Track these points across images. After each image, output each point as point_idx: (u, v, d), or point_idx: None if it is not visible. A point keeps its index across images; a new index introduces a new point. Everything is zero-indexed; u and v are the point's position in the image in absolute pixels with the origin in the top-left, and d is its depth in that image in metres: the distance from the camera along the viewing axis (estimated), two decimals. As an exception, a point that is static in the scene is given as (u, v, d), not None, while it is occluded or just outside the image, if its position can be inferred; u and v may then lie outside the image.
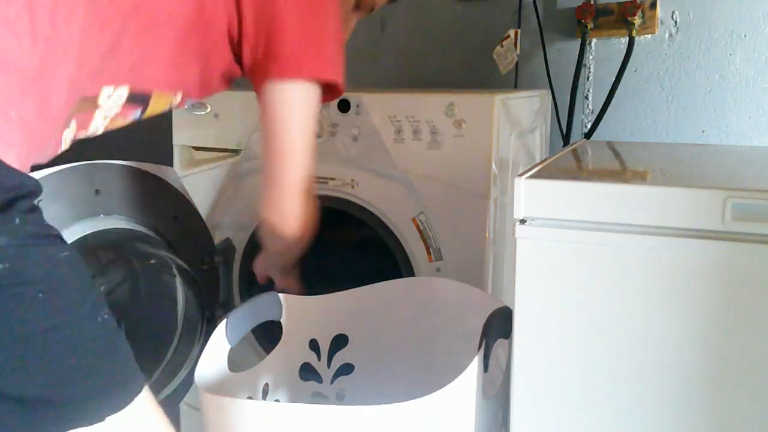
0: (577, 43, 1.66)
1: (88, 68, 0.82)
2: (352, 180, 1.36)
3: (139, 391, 0.76)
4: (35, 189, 0.72)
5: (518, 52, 1.69)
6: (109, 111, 0.90)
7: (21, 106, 0.73)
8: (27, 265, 0.68)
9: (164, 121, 1.55)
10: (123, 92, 0.89)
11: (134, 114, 0.95)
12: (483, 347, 0.91)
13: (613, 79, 1.59)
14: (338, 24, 1.04)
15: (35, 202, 0.72)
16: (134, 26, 0.86)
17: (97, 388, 0.73)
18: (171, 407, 1.40)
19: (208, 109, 1.47)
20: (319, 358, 1.21)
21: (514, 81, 1.75)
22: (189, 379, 1.37)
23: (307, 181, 1.05)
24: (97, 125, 0.91)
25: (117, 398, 0.74)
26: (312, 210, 1.10)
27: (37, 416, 0.70)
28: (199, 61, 0.96)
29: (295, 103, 1.01)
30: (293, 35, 0.97)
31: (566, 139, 1.68)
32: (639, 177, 1.06)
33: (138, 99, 0.92)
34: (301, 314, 1.18)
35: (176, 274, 1.35)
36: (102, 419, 0.72)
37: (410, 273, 1.34)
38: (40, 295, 0.68)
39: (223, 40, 0.98)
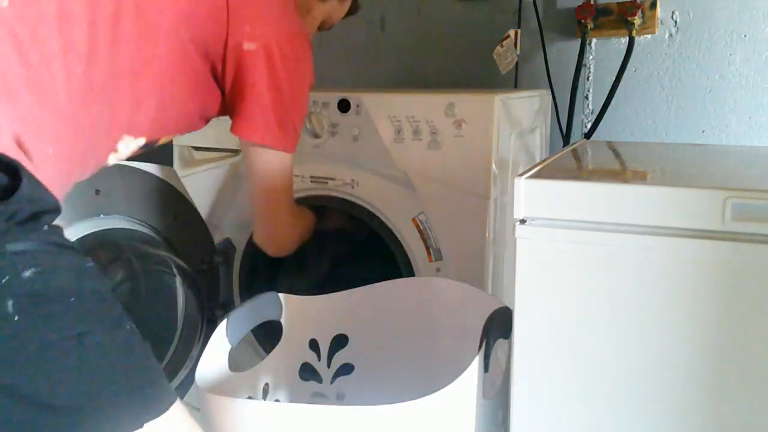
0: (577, 43, 1.66)
1: (119, 117, 0.89)
2: (352, 180, 1.36)
3: (175, 398, 0.75)
4: (57, 207, 0.73)
5: (518, 52, 1.69)
6: (122, 156, 0.96)
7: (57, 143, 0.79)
8: (58, 269, 0.68)
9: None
10: (140, 142, 0.96)
11: (138, 152, 1.01)
12: (483, 347, 0.91)
13: (613, 79, 1.59)
14: (306, 101, 1.16)
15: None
16: (159, 81, 0.92)
17: (133, 393, 0.71)
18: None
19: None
20: (319, 358, 1.22)
21: (514, 81, 1.75)
22: (189, 379, 1.37)
23: (285, 214, 1.21)
24: (106, 164, 0.97)
25: (155, 403, 0.72)
26: (301, 228, 1.28)
27: (72, 423, 0.67)
28: (199, 106, 1.06)
29: (260, 163, 1.13)
30: (261, 104, 1.06)
31: (566, 139, 1.68)
32: (639, 177, 1.06)
33: (149, 146, 1.00)
34: (301, 314, 1.18)
35: (176, 274, 1.36)
36: (140, 426, 0.70)
37: (410, 273, 1.34)
38: (73, 299, 0.68)
39: (211, 81, 1.05)
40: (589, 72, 1.70)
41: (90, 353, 0.68)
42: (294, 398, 1.20)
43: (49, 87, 0.77)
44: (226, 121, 1.46)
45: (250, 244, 1.47)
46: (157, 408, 0.72)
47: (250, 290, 1.49)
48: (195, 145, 1.53)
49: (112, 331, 0.71)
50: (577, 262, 0.86)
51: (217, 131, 1.49)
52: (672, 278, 0.82)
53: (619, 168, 1.22)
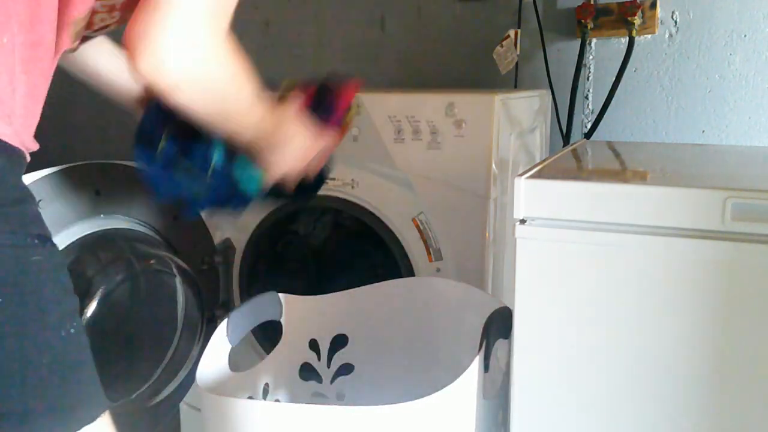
0: (577, 43, 1.66)
1: None
2: (352, 180, 1.36)
3: (92, 420, 0.69)
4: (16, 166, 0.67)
5: (518, 52, 1.69)
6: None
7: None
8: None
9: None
10: None
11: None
12: (483, 348, 0.92)
13: (613, 79, 1.59)
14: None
15: (18, 193, 0.68)
16: None
17: (46, 406, 0.67)
18: (171, 407, 1.40)
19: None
20: (319, 358, 1.22)
21: (514, 81, 1.75)
22: (189, 379, 1.37)
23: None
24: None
25: (64, 421, 0.68)
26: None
27: None
28: None
29: None
30: None
31: (566, 139, 1.68)
32: (639, 177, 1.06)
33: None
34: (301, 314, 1.18)
35: (176, 274, 1.36)
36: None
37: (410, 273, 1.34)
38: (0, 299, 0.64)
39: None
40: (589, 72, 1.70)
41: (6, 358, 0.64)
42: (294, 398, 1.20)
43: None
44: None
45: (250, 244, 1.47)
46: (63, 427, 0.68)
47: (249, 290, 1.49)
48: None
49: (41, 334, 0.67)
50: (577, 262, 0.86)
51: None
52: (672, 278, 0.82)
53: (619, 168, 1.22)
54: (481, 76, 1.80)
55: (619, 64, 1.59)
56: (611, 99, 1.60)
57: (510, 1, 1.75)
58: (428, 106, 1.28)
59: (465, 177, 1.26)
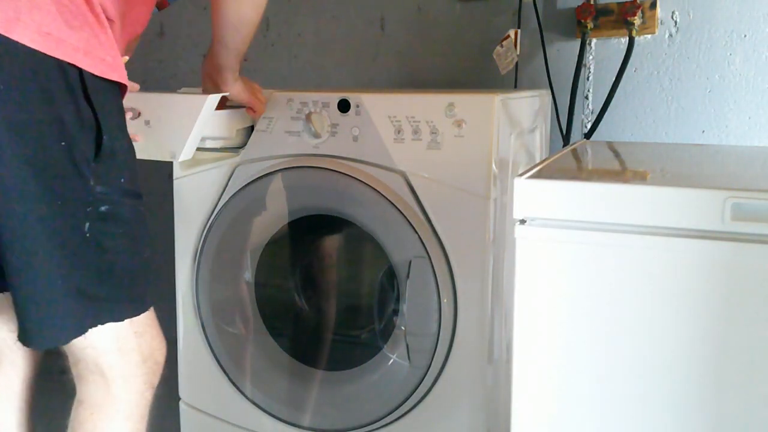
0: (577, 43, 1.66)
1: None
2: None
3: (149, 308, 1.04)
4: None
5: (518, 52, 1.68)
6: None
7: None
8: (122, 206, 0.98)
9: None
10: None
11: None
12: None
13: (613, 79, 1.59)
14: None
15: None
16: None
17: (127, 295, 1.00)
18: (170, 405, 1.40)
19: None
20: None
21: (514, 81, 1.75)
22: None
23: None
24: None
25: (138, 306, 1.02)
26: None
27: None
28: None
29: None
30: None
31: (566, 139, 1.68)
32: (639, 177, 1.06)
33: None
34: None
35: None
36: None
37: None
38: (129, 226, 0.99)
39: None
40: (589, 72, 1.70)
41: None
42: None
43: None
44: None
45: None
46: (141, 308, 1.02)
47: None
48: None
49: (143, 249, 1.02)
50: (577, 262, 0.86)
51: (217, 130, 1.49)
52: (672, 278, 0.82)
53: (619, 168, 1.22)
54: (481, 76, 1.80)
55: (619, 64, 1.59)
56: (611, 99, 1.60)
57: (510, 1, 1.75)
58: (428, 106, 1.28)
59: (465, 177, 1.26)
